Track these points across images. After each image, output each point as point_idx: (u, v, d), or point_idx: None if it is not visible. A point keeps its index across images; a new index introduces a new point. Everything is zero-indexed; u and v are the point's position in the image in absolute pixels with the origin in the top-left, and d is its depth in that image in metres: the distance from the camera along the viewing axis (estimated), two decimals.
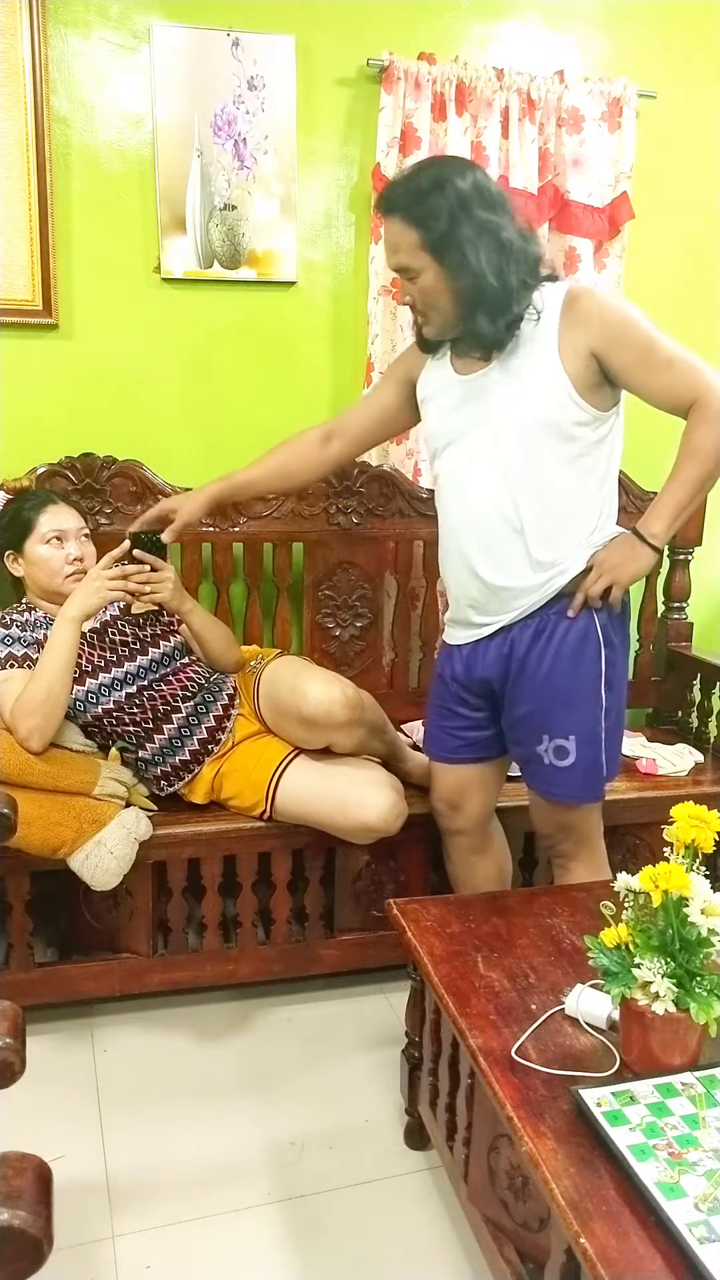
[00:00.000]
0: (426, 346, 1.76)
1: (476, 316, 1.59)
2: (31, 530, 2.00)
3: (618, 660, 1.76)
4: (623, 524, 1.78)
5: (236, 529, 2.37)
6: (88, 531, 2.08)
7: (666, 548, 2.55)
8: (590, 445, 1.66)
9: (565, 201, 2.47)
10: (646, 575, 1.81)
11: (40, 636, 1.96)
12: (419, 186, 1.57)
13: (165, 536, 1.92)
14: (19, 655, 1.92)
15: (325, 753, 2.00)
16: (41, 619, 2.01)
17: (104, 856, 1.83)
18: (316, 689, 1.92)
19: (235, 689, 2.11)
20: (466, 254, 1.55)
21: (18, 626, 1.98)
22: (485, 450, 1.68)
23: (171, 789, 2.07)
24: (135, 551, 1.88)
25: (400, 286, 1.71)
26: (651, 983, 1.17)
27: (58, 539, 2.00)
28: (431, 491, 2.42)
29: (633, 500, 2.45)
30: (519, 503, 1.67)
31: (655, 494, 2.49)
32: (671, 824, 1.26)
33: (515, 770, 1.93)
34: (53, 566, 1.99)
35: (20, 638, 1.95)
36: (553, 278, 1.67)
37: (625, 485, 2.41)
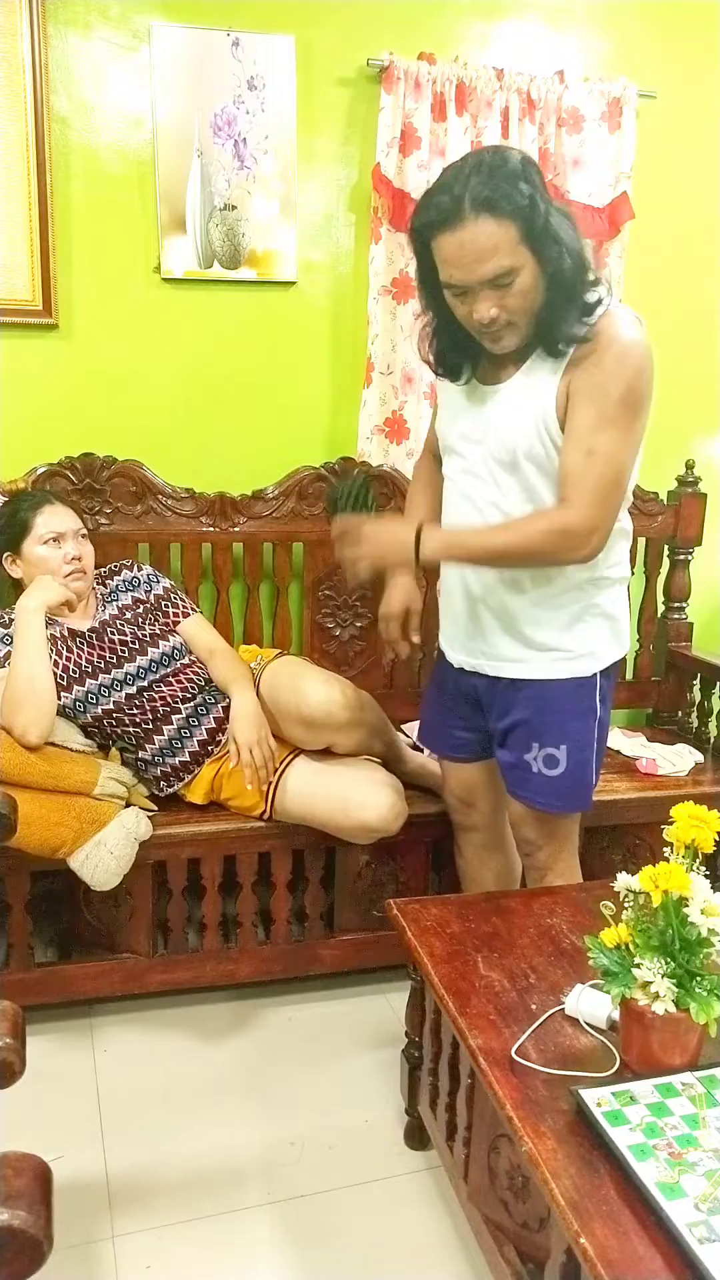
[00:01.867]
0: (454, 375, 1.65)
1: (562, 308, 1.46)
2: (28, 531, 2.00)
3: (612, 674, 1.73)
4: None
5: (236, 529, 2.37)
6: (85, 531, 2.08)
7: (667, 548, 2.60)
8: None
9: (565, 201, 2.46)
10: (395, 566, 1.71)
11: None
12: (508, 172, 1.39)
13: (416, 638, 1.84)
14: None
15: (325, 753, 2.00)
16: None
17: (104, 856, 1.83)
18: (317, 690, 1.92)
19: None
20: (553, 242, 1.42)
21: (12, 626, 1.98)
22: (479, 475, 1.63)
23: (171, 789, 2.07)
24: (336, 519, 1.69)
25: (479, 303, 1.46)
26: (651, 983, 1.17)
27: (55, 540, 2.00)
28: None
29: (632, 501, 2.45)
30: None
31: (655, 494, 2.56)
32: (671, 824, 1.26)
33: None
34: (51, 567, 1.99)
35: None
36: (598, 279, 1.52)
37: None
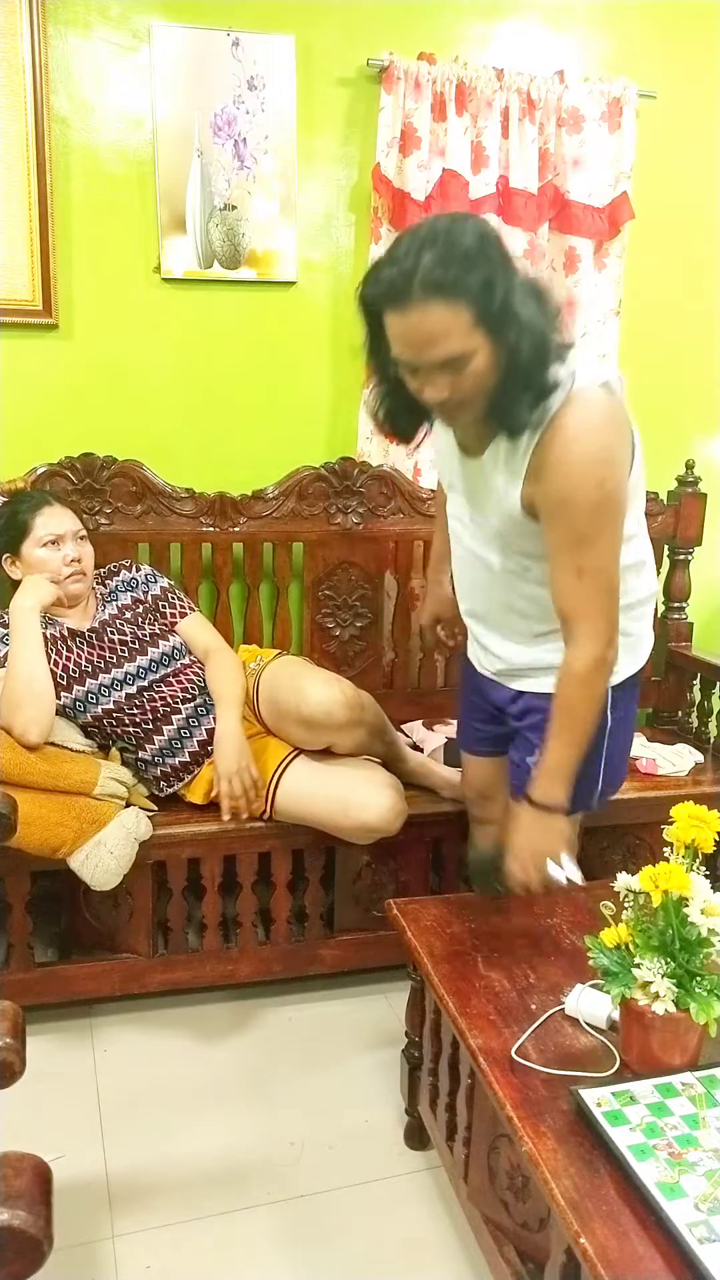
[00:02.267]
0: (406, 436, 1.57)
1: (513, 392, 1.35)
2: (27, 533, 2.00)
3: (624, 686, 1.66)
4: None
5: (236, 529, 2.37)
6: (84, 532, 2.08)
7: (667, 548, 2.60)
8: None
9: (565, 201, 2.47)
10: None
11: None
12: (464, 251, 1.26)
13: (448, 642, 1.96)
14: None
15: (325, 753, 2.00)
16: (41, 619, 2.00)
17: (104, 856, 1.83)
18: (316, 689, 1.92)
19: None
20: (510, 325, 1.30)
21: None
22: (475, 539, 1.59)
23: (171, 789, 2.07)
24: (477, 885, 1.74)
25: (428, 385, 1.36)
26: (651, 983, 1.17)
27: (54, 542, 2.00)
28: (431, 492, 2.44)
29: None
30: (505, 606, 1.60)
31: (655, 494, 2.55)
32: (671, 824, 1.26)
33: None
34: (50, 569, 1.99)
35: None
36: (563, 349, 1.38)
37: None
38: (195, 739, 2.03)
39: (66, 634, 2.01)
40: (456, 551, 1.70)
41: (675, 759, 2.39)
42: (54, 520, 2.02)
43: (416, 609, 2.52)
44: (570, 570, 1.43)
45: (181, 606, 2.13)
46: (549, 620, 1.54)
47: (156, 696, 2.02)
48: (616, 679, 1.62)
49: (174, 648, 2.08)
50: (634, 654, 1.67)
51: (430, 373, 1.35)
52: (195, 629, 2.12)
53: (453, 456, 1.59)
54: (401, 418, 1.54)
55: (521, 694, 1.68)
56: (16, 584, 2.06)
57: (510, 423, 1.38)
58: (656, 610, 2.64)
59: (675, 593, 2.64)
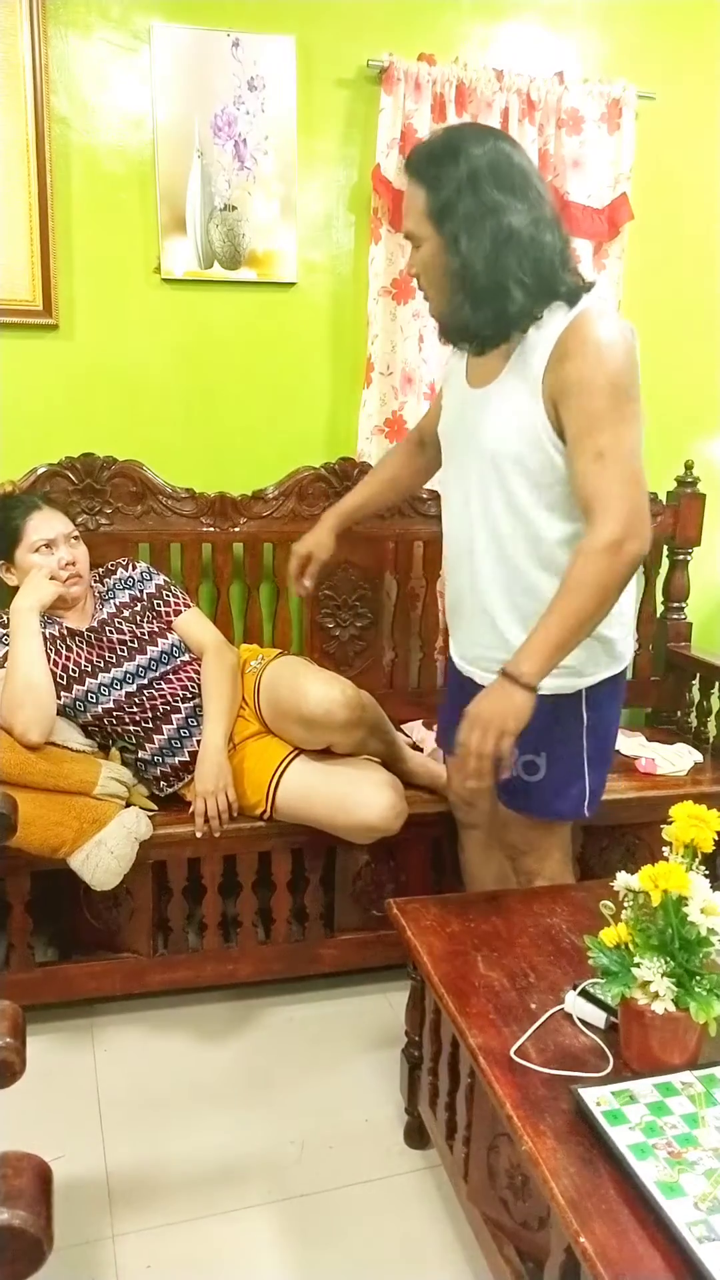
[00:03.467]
0: (441, 335, 1.64)
1: (463, 303, 1.49)
2: (20, 539, 1.99)
3: (610, 682, 1.67)
4: None
5: (236, 529, 2.37)
6: (76, 533, 2.07)
7: (666, 548, 2.60)
8: (575, 497, 1.51)
9: (565, 202, 2.47)
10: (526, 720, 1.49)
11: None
12: (433, 150, 1.48)
13: (308, 582, 1.99)
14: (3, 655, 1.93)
15: (326, 753, 2.00)
16: (40, 619, 2.00)
17: (104, 856, 1.83)
18: (317, 689, 1.92)
19: None
20: (460, 231, 1.44)
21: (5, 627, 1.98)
22: (470, 477, 1.61)
23: (171, 789, 2.07)
24: None
25: (409, 255, 1.60)
26: (651, 982, 1.17)
27: (47, 546, 1.99)
28: (431, 492, 2.44)
29: None
30: (496, 546, 1.59)
31: (654, 494, 2.56)
32: (670, 823, 1.26)
33: None
34: (46, 574, 1.99)
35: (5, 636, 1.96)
36: (572, 294, 1.48)
37: None
38: (195, 738, 2.03)
39: (66, 633, 2.02)
40: (452, 534, 1.69)
41: (674, 758, 2.39)
42: (45, 524, 2.01)
43: (416, 608, 2.53)
44: (590, 454, 1.44)
45: (177, 603, 2.13)
46: (550, 581, 1.53)
47: (156, 695, 2.02)
48: (590, 680, 1.63)
49: (172, 645, 2.08)
50: (612, 658, 1.67)
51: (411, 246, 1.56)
52: (192, 625, 2.11)
53: (461, 390, 1.63)
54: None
55: None
56: (13, 590, 2.06)
57: (465, 335, 1.53)
58: (656, 610, 2.66)
59: (674, 593, 2.65)
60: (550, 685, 1.53)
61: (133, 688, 2.01)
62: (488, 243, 1.44)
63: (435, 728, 2.41)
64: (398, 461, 2.00)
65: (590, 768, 1.68)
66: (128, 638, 2.04)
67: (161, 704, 2.02)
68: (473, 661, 1.73)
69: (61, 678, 1.97)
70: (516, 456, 1.52)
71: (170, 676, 2.05)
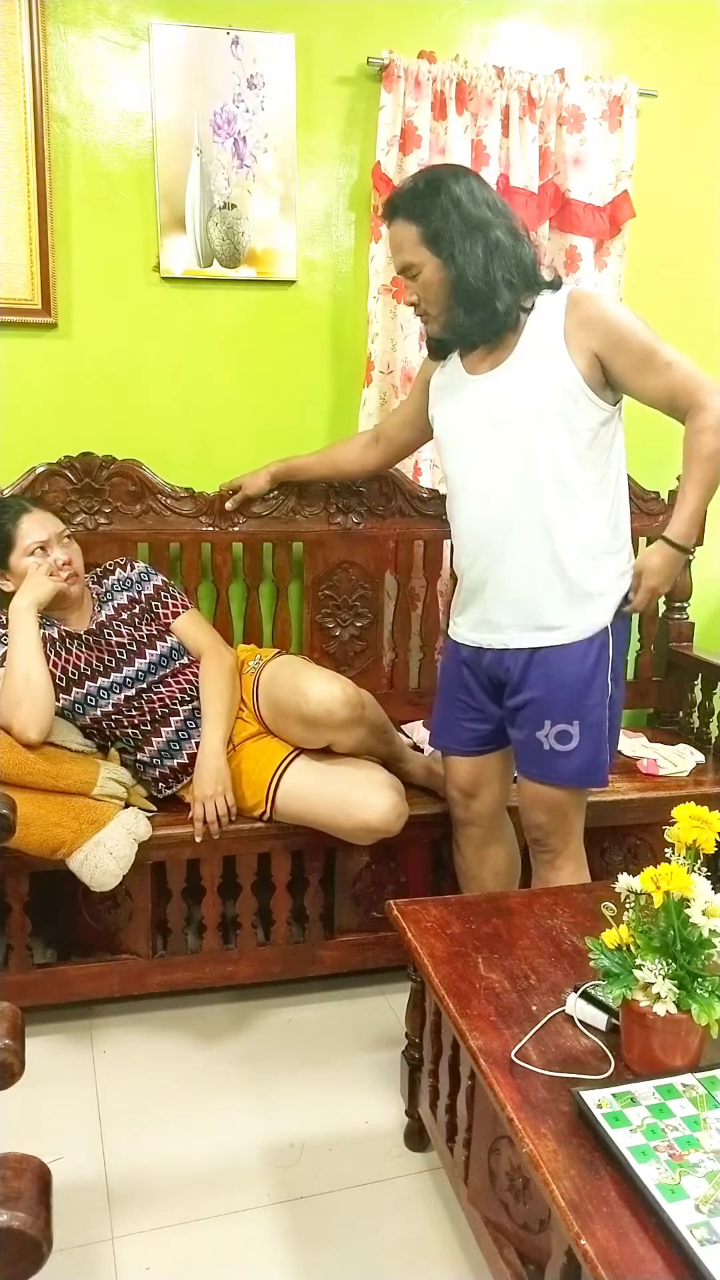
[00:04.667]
0: (434, 354, 1.85)
1: (458, 309, 1.69)
2: (13, 545, 1.96)
3: (621, 649, 1.81)
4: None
5: (236, 529, 2.37)
6: (69, 532, 2.06)
7: None
8: (598, 445, 1.72)
9: (566, 200, 2.46)
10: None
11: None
12: (416, 189, 1.70)
13: (229, 505, 2.30)
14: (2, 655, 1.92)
15: (326, 753, 2.00)
16: (40, 620, 2.00)
17: (103, 857, 1.83)
18: (317, 688, 1.92)
19: None
20: (456, 247, 1.65)
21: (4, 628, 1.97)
22: (497, 449, 1.73)
23: (170, 790, 2.07)
24: None
25: (406, 288, 1.79)
26: (653, 984, 1.17)
27: (40, 549, 1.98)
28: (432, 491, 2.44)
29: (634, 500, 2.44)
30: (532, 501, 1.72)
31: (656, 493, 2.55)
32: (673, 825, 1.26)
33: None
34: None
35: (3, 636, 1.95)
36: (554, 284, 1.74)
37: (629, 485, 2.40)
38: (193, 740, 2.03)
39: (65, 636, 2.01)
40: (467, 508, 1.81)
41: (676, 759, 2.39)
42: (36, 526, 1.98)
43: (417, 608, 2.53)
44: (660, 367, 1.68)
45: (175, 605, 2.11)
46: (568, 549, 1.72)
47: (155, 698, 2.02)
48: (616, 595, 1.79)
49: (171, 648, 2.07)
50: (622, 576, 1.80)
51: (405, 280, 1.76)
52: (190, 628, 2.10)
53: (464, 396, 1.79)
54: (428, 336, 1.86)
55: (534, 654, 1.75)
56: (9, 597, 2.04)
57: (459, 335, 1.74)
58: (658, 610, 2.66)
59: (676, 593, 2.64)
60: (583, 620, 1.74)
61: (132, 691, 2.00)
62: (479, 253, 1.65)
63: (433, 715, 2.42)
64: (346, 451, 2.24)
65: (609, 737, 1.81)
66: (127, 641, 2.03)
67: (160, 707, 2.02)
68: (503, 629, 1.80)
69: (61, 680, 1.97)
70: (560, 410, 1.68)
71: (169, 680, 2.04)
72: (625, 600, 1.78)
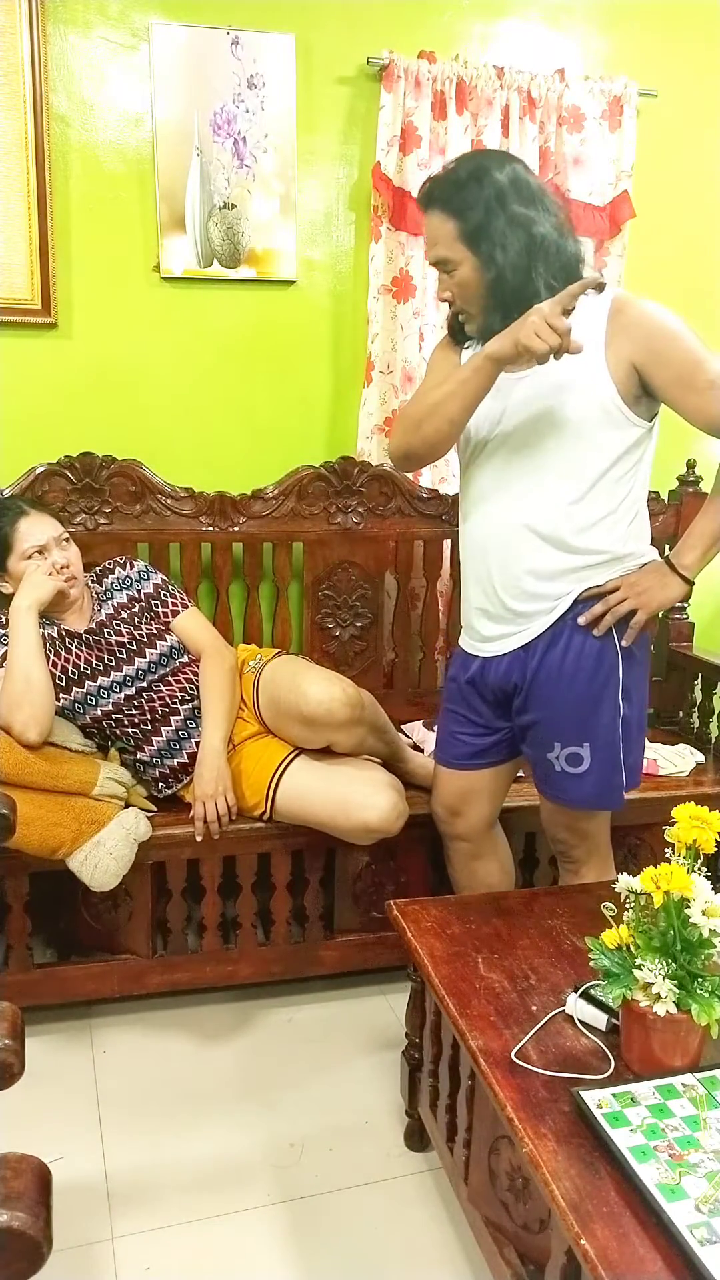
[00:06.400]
0: (459, 336, 1.73)
1: (494, 314, 1.59)
2: (11, 548, 1.96)
3: (635, 671, 1.72)
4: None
5: (236, 529, 2.37)
6: (67, 534, 2.05)
7: (668, 547, 2.59)
8: (625, 457, 1.63)
9: (566, 200, 2.46)
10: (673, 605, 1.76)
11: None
12: (458, 178, 1.57)
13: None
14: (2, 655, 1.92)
15: (326, 753, 2.00)
16: (40, 620, 2.00)
17: (103, 857, 1.83)
18: (317, 688, 1.91)
19: None
20: (496, 246, 1.54)
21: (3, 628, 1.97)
22: (519, 454, 1.66)
23: (170, 790, 2.07)
24: None
25: (440, 282, 1.67)
26: (653, 984, 1.17)
27: (39, 552, 1.97)
28: (432, 491, 2.44)
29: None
30: (547, 510, 1.64)
31: (656, 494, 2.55)
32: (673, 825, 1.26)
33: (520, 772, 1.92)
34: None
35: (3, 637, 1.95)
36: (599, 285, 1.60)
37: None
38: (193, 740, 2.03)
39: (65, 635, 2.01)
40: (480, 508, 1.71)
41: (676, 759, 2.39)
42: (35, 529, 1.97)
43: (417, 608, 2.53)
44: (701, 389, 1.57)
45: (175, 604, 2.11)
46: (580, 543, 1.64)
47: (155, 697, 2.02)
48: (638, 560, 1.71)
49: (171, 648, 2.07)
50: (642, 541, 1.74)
51: (439, 273, 1.64)
52: (190, 626, 2.10)
53: (502, 384, 1.64)
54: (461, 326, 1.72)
55: (538, 664, 1.68)
56: (8, 599, 2.04)
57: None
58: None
59: None
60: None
61: (132, 691, 2.00)
62: (521, 253, 1.55)
63: (435, 728, 2.41)
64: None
65: (626, 760, 1.73)
66: (126, 640, 2.03)
67: (160, 706, 2.02)
68: (504, 623, 1.73)
69: (61, 680, 1.97)
70: (590, 425, 1.61)
71: (169, 679, 2.04)
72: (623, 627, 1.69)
